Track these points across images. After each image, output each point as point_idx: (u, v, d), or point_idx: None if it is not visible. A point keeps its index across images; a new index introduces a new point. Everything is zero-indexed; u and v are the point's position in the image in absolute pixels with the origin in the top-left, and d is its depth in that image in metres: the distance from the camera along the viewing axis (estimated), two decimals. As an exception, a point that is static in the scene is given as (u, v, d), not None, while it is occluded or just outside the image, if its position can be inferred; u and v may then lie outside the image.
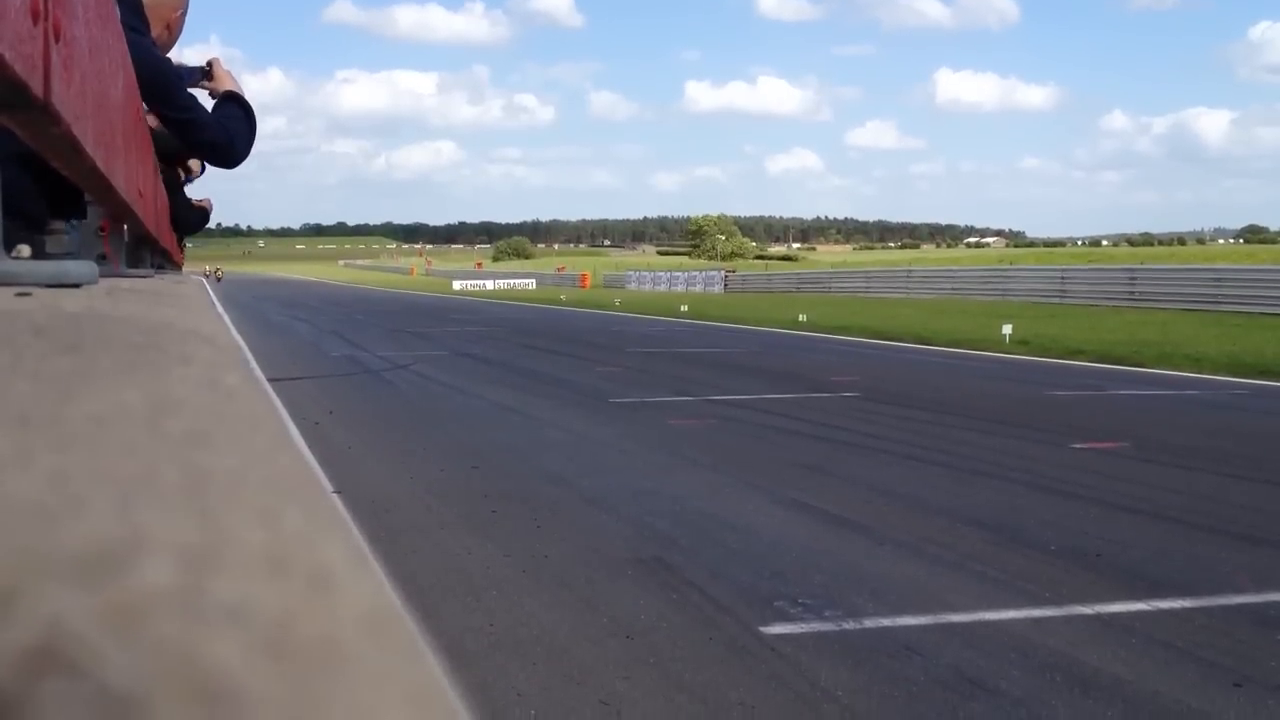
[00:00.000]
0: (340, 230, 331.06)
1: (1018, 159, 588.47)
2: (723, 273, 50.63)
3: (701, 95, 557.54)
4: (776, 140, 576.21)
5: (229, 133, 2.78)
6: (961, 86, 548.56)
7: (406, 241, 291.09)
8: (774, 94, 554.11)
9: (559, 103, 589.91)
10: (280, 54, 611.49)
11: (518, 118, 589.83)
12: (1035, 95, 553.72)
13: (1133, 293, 25.24)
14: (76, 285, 1.28)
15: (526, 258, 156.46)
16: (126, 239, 2.44)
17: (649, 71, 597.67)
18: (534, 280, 64.53)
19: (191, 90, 2.77)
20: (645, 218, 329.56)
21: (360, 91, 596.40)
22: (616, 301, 35.06)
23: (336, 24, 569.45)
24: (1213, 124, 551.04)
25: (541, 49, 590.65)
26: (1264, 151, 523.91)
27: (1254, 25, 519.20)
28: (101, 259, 1.99)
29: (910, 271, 37.49)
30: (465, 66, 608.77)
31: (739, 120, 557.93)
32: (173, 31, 2.88)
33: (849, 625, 3.57)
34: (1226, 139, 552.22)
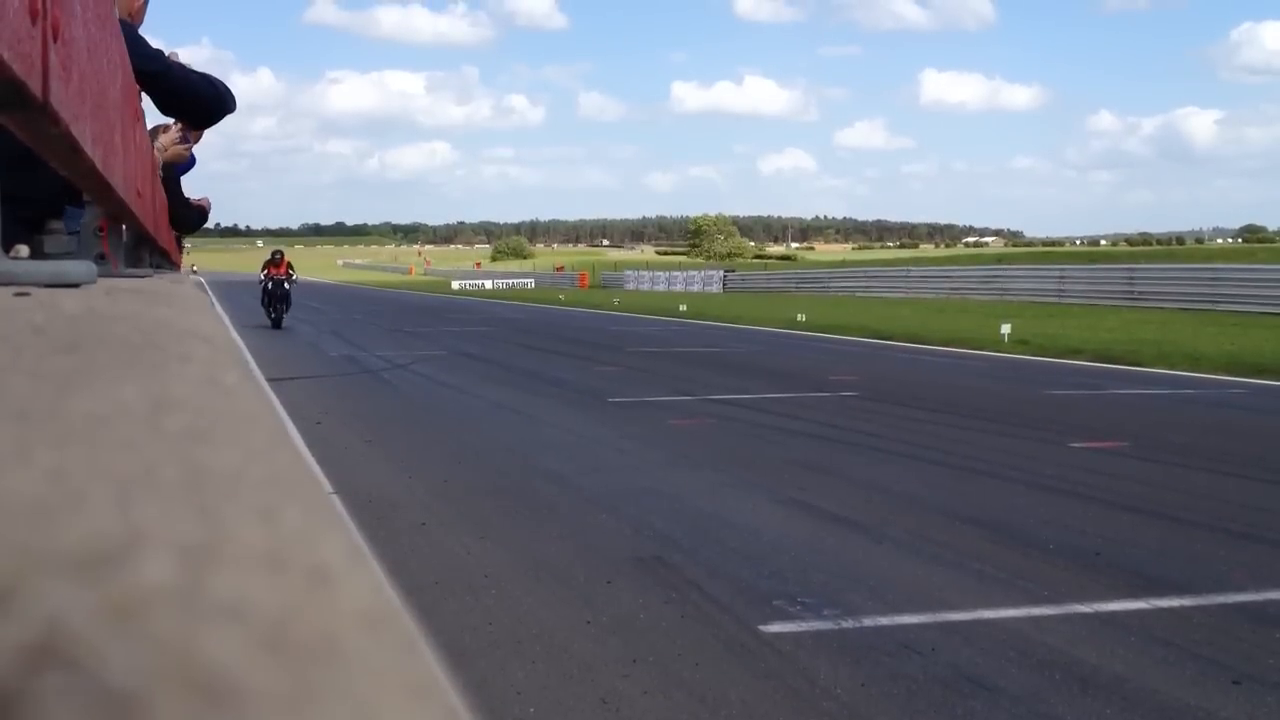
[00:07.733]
0: (339, 230, 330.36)
1: (1009, 159, 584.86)
2: (721, 272, 50.63)
3: (690, 96, 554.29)
4: (767, 140, 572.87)
5: (207, 80, 2.88)
6: (947, 87, 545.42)
7: (405, 241, 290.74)
8: (761, 94, 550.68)
9: (549, 103, 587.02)
10: (270, 55, 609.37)
11: (509, 118, 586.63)
12: (1021, 95, 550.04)
13: (1131, 292, 25.26)
14: (75, 285, 1.28)
15: (525, 257, 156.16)
16: (125, 239, 2.44)
17: (636, 73, 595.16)
18: (533, 280, 64.52)
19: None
20: (644, 217, 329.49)
21: (351, 92, 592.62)
22: (615, 301, 35.04)
23: (319, 25, 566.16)
24: (1203, 124, 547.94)
25: (527, 50, 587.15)
26: (1256, 151, 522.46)
27: (1233, 26, 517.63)
28: (100, 259, 1.99)
29: (909, 271, 37.50)
30: (453, 67, 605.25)
31: (728, 120, 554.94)
32: (136, 19, 2.95)
33: (848, 624, 3.57)
34: (1218, 139, 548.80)
